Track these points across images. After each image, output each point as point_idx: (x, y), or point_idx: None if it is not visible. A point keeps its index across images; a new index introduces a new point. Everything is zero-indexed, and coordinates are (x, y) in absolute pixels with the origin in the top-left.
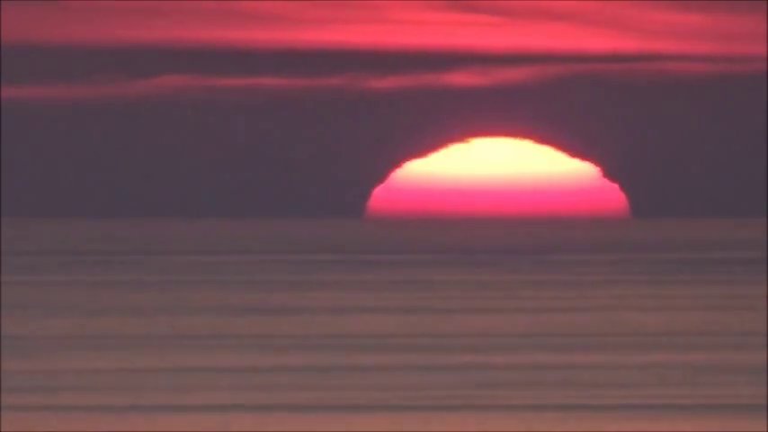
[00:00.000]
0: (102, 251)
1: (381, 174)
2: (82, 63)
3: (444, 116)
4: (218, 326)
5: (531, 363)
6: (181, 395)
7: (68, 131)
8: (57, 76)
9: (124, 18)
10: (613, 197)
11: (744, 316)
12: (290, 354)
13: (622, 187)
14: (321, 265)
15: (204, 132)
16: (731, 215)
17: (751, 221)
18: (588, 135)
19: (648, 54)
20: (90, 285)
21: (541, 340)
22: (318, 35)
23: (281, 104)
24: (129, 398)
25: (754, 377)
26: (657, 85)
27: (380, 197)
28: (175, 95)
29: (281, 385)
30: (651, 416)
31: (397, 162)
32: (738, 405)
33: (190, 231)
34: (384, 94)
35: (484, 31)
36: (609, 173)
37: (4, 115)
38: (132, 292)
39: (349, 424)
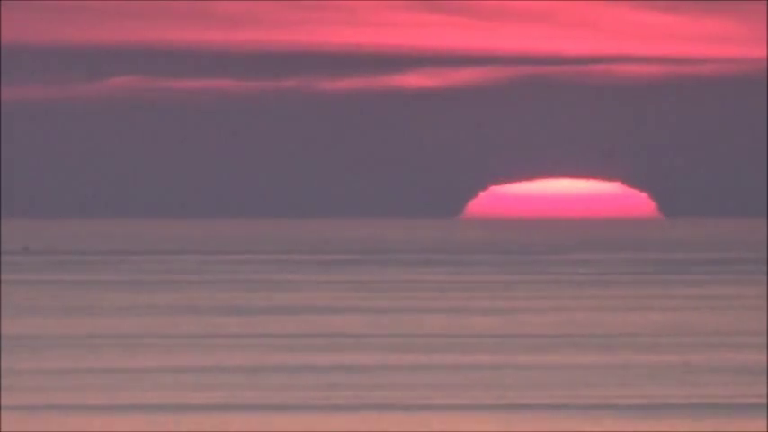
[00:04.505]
0: (100, 251)
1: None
2: (55, 62)
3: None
4: (290, 324)
5: (546, 362)
6: (184, 394)
7: (47, 131)
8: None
9: (82, 19)
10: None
11: (744, 316)
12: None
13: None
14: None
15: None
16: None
17: (719, 221)
18: (537, 133)
19: (611, 56)
20: (88, 285)
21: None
22: (285, 36)
23: (245, 106)
24: (129, 397)
25: (753, 377)
26: (612, 86)
27: (478, 202)
28: (142, 96)
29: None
30: (651, 415)
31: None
32: (738, 405)
33: (251, 231)
34: (354, 95)
35: (452, 32)
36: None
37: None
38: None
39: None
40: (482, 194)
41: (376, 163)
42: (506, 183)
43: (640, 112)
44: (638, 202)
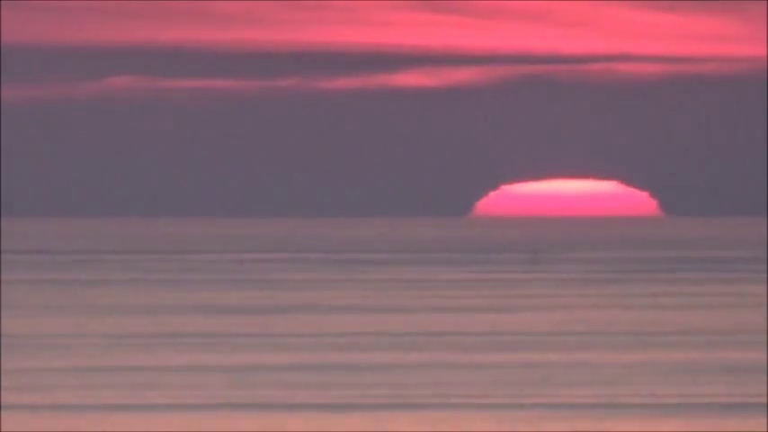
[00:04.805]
0: (104, 250)
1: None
2: (47, 63)
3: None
4: (313, 324)
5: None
6: (187, 394)
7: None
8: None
9: (82, 19)
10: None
11: (743, 315)
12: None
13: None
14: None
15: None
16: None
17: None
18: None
19: (611, 55)
20: (88, 285)
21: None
22: (284, 35)
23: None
24: (132, 397)
25: (753, 377)
26: (613, 86)
27: (488, 201)
28: (138, 96)
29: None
30: (651, 415)
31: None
32: (738, 405)
33: (276, 230)
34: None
35: (451, 31)
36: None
37: None
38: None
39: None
40: (492, 194)
41: (377, 162)
42: (511, 182)
43: (640, 111)
44: (639, 201)
